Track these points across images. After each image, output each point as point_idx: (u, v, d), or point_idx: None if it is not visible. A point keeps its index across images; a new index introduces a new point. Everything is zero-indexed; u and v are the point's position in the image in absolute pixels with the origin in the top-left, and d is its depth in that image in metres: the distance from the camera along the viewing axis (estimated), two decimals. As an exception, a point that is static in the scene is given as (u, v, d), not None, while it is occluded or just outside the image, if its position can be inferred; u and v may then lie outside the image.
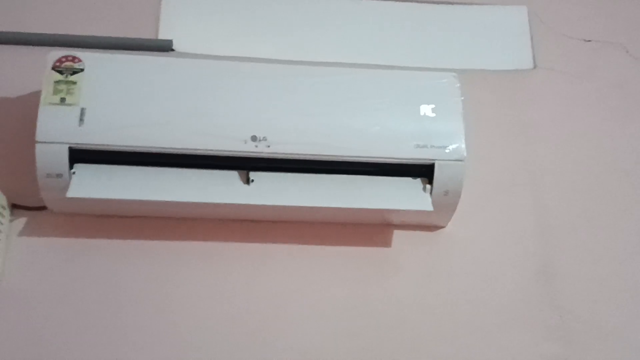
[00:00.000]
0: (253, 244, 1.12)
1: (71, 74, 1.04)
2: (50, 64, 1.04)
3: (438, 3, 1.34)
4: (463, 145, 1.06)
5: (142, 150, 1.02)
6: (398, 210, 1.10)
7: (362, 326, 1.09)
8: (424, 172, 1.07)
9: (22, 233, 1.08)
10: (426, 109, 1.08)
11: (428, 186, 1.07)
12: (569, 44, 1.34)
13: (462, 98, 1.09)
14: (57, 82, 1.03)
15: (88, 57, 1.05)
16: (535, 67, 1.30)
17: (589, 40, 1.34)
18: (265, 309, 1.08)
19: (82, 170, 1.02)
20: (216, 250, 1.11)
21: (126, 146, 1.01)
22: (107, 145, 1.01)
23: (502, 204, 1.19)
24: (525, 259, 1.16)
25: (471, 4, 1.35)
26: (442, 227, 1.16)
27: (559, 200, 1.20)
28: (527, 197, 1.20)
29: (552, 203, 1.20)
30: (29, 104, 1.10)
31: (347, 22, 1.30)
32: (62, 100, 1.02)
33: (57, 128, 1.01)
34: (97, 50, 1.16)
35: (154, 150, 1.02)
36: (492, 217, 1.18)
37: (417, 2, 1.33)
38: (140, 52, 1.20)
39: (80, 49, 1.09)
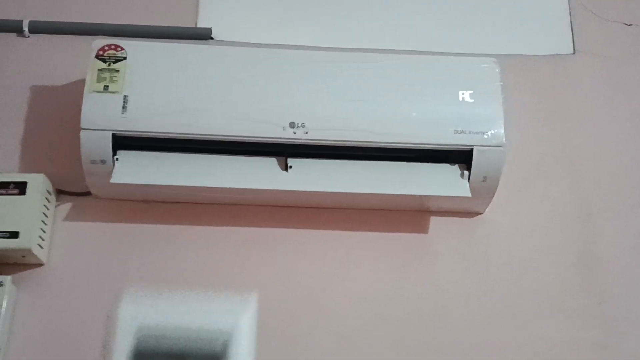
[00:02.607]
0: (291, 230, 1.13)
1: (114, 62, 1.06)
2: (94, 53, 1.06)
3: (476, -12, 1.33)
4: (502, 131, 1.05)
5: (183, 137, 1.04)
6: (436, 197, 1.10)
7: (398, 311, 1.09)
8: (462, 158, 1.07)
9: (67, 218, 1.11)
10: (465, 95, 1.07)
11: (466, 172, 1.07)
12: (609, 28, 1.31)
13: (501, 83, 1.09)
14: (101, 70, 1.05)
15: (130, 46, 1.07)
16: (575, 51, 1.29)
17: (630, 24, 1.32)
18: (303, 294, 1.09)
19: (125, 156, 1.05)
20: (254, 235, 1.12)
21: (168, 133, 1.03)
22: (149, 132, 1.03)
23: (542, 190, 1.18)
24: (565, 245, 1.15)
25: (510, -12, 1.33)
26: (480, 213, 1.15)
27: (599, 186, 1.19)
28: (567, 183, 1.19)
29: (593, 189, 1.18)
30: (73, 92, 1.13)
31: (386, 8, 1.29)
32: (106, 88, 1.04)
33: (101, 115, 1.03)
34: (139, 38, 1.17)
35: (194, 137, 1.04)
36: (531, 203, 1.17)
37: (455, -13, 1.32)
38: (180, 40, 1.22)
39: (122, 37, 1.11)
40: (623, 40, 1.30)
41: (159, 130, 1.03)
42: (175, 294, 1.06)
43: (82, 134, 1.02)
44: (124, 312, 1.04)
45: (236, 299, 1.07)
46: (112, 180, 1.03)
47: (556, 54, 1.28)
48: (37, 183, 1.06)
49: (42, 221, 1.06)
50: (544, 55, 1.28)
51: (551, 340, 1.08)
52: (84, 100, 1.03)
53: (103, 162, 1.03)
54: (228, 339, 1.03)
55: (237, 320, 1.05)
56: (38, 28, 1.22)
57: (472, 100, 1.07)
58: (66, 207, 1.12)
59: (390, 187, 1.07)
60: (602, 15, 1.32)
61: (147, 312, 1.04)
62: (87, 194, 1.11)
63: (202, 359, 1.01)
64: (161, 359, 1.01)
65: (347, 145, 1.05)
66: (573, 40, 1.29)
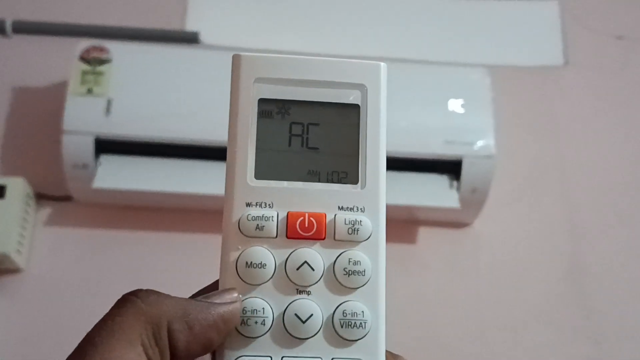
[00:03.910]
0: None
1: (99, 65, 1.04)
2: (78, 55, 1.04)
3: (467, -3, 1.32)
4: (492, 142, 1.04)
5: (168, 142, 1.02)
6: (424, 207, 1.08)
7: (386, 321, 1.07)
8: (451, 168, 1.05)
9: (47, 223, 1.09)
10: (455, 105, 1.06)
11: (455, 183, 1.05)
12: (600, 41, 1.31)
13: (492, 94, 1.08)
14: (85, 72, 1.03)
15: (116, 48, 1.05)
16: (566, 63, 1.28)
17: (621, 37, 1.32)
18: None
19: (108, 161, 1.02)
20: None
21: (153, 137, 1.01)
22: (134, 136, 1.01)
23: (531, 202, 1.17)
24: (554, 257, 1.14)
25: (501, -2, 1.33)
26: (469, 224, 1.14)
27: (589, 199, 1.18)
28: (557, 195, 1.18)
29: (582, 201, 1.18)
30: (55, 95, 1.11)
31: (375, 16, 1.28)
32: (90, 90, 1.02)
33: (83, 118, 1.01)
34: (124, 41, 1.16)
35: (180, 142, 1.02)
36: (520, 214, 1.16)
37: (447, -4, 1.31)
38: (167, 43, 1.20)
39: (108, 39, 1.09)
40: (614, 53, 1.30)
41: (143, 135, 1.01)
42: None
43: (64, 137, 1.00)
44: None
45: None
46: (94, 185, 1.01)
47: (547, 66, 1.28)
48: (17, 187, 1.03)
49: (22, 226, 1.03)
50: (535, 67, 1.27)
51: (540, 352, 1.07)
52: (66, 102, 1.01)
53: (85, 166, 1.01)
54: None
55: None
56: (22, 28, 1.20)
57: (462, 111, 1.06)
58: (46, 211, 1.09)
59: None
60: (593, 28, 1.32)
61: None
62: (69, 198, 1.08)
63: None
64: None
65: (335, 153, 1.04)
66: (564, 52, 1.29)
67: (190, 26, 1.23)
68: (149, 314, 0.33)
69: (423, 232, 1.13)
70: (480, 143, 1.04)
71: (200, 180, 1.03)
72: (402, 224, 1.13)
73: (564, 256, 1.14)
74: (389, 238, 1.23)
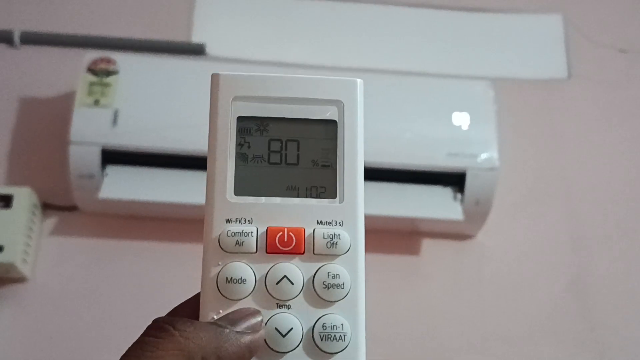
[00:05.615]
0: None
1: (106, 76, 1.05)
2: (85, 66, 1.05)
3: (473, 11, 1.33)
4: (496, 154, 1.05)
5: (174, 153, 1.02)
6: (428, 219, 1.09)
7: (389, 335, 1.08)
8: (455, 180, 1.06)
9: (53, 232, 1.09)
10: (459, 117, 1.07)
11: (459, 195, 1.06)
12: (604, 54, 1.32)
13: (496, 107, 1.08)
14: (92, 83, 1.04)
15: (123, 60, 1.06)
16: (569, 76, 1.29)
17: (625, 51, 1.32)
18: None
19: (115, 171, 1.03)
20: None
21: (159, 148, 1.02)
22: (140, 147, 1.02)
23: (535, 214, 1.17)
24: (558, 270, 1.14)
25: (506, 12, 1.33)
26: (472, 236, 1.14)
27: (593, 211, 1.18)
28: (561, 208, 1.18)
29: (586, 214, 1.18)
30: (62, 105, 1.12)
31: (381, 29, 1.29)
32: (97, 102, 1.03)
33: (90, 129, 1.02)
34: (131, 52, 1.17)
35: (186, 153, 1.02)
36: (523, 227, 1.16)
37: (452, 9, 1.32)
38: (174, 55, 1.21)
39: (115, 51, 1.10)
40: (617, 66, 1.31)
41: (149, 146, 1.02)
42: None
43: (71, 147, 1.01)
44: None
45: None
46: (100, 196, 1.02)
47: (551, 79, 1.28)
48: (23, 197, 1.04)
49: (28, 235, 1.04)
50: (539, 80, 1.28)
51: (542, 366, 1.07)
52: (73, 113, 1.02)
53: (91, 176, 1.02)
54: None
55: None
56: (29, 39, 1.21)
57: (466, 123, 1.06)
58: (52, 221, 1.10)
59: (382, 208, 1.06)
60: (596, 41, 1.32)
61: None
62: (75, 208, 1.09)
63: None
64: None
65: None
66: (568, 65, 1.29)
67: (196, 38, 1.24)
68: (187, 349, 0.34)
69: (426, 244, 1.14)
70: (483, 155, 1.05)
71: (205, 191, 1.03)
72: (406, 236, 1.13)
73: (568, 268, 1.14)
74: (393, 250, 1.23)
